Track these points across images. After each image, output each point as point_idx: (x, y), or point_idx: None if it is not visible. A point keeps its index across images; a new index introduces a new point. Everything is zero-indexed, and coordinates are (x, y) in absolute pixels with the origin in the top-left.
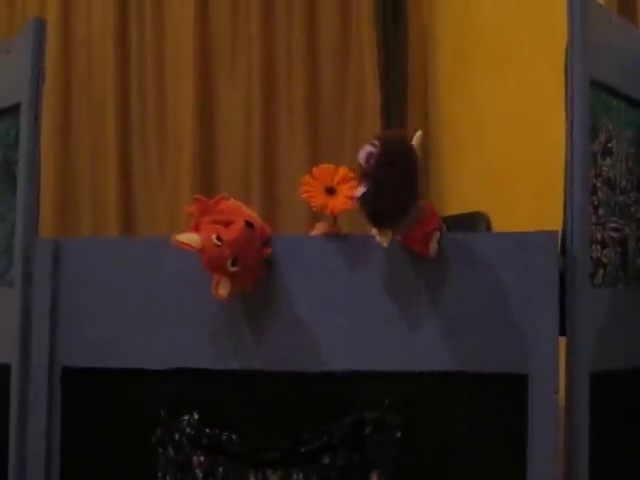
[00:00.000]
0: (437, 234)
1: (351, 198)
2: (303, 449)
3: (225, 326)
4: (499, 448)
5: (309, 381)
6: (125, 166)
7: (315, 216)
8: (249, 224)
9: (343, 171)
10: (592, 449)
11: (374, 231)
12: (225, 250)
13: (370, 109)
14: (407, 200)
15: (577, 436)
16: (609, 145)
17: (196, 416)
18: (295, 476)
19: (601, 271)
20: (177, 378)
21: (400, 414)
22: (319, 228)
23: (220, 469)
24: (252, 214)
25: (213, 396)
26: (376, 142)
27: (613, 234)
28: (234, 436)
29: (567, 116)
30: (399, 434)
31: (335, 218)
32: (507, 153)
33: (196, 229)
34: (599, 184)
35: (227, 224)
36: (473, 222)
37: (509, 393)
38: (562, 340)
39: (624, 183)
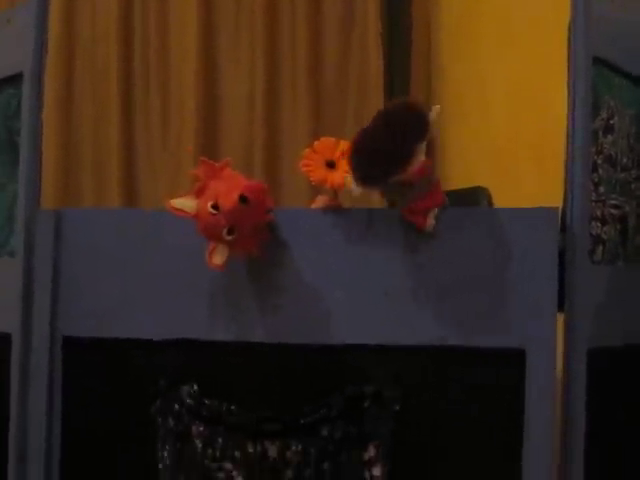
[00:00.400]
0: (435, 210)
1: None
2: (302, 421)
3: (225, 298)
4: (496, 422)
5: (308, 354)
6: (128, 138)
7: (317, 190)
8: (243, 198)
9: (344, 145)
10: (589, 425)
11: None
12: (221, 219)
13: (373, 81)
14: (392, 164)
15: (574, 412)
16: (611, 122)
17: (195, 387)
18: (294, 447)
19: (600, 248)
20: (177, 349)
21: (398, 388)
22: (319, 201)
23: (219, 439)
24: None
25: (213, 367)
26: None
27: (613, 211)
28: (233, 407)
29: (569, 93)
30: (397, 407)
31: (336, 192)
32: (511, 126)
33: (200, 192)
34: (600, 161)
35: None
36: (474, 197)
37: (506, 368)
38: (560, 317)
39: (625, 160)
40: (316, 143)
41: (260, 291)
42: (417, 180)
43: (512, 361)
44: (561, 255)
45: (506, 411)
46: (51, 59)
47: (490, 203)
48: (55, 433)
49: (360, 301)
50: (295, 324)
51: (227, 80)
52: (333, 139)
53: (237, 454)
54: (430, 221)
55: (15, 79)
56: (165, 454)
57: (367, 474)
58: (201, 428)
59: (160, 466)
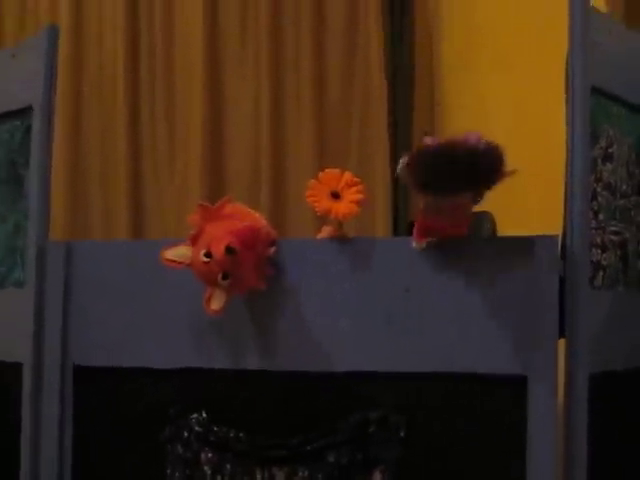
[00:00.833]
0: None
1: (356, 202)
2: (309, 447)
3: (232, 327)
4: (499, 448)
5: (315, 381)
6: (135, 167)
7: (324, 218)
8: (229, 249)
9: (348, 176)
10: (591, 450)
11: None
12: (213, 266)
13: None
14: (465, 185)
15: (576, 437)
16: (609, 150)
17: (204, 414)
18: (301, 473)
19: (601, 274)
20: (186, 377)
21: (403, 413)
22: (325, 231)
23: (228, 466)
24: (257, 217)
25: (221, 395)
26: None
27: (613, 237)
28: (241, 434)
29: (567, 122)
30: (402, 433)
31: (341, 222)
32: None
33: (195, 240)
34: (599, 189)
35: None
36: (478, 221)
37: (509, 394)
38: (562, 342)
39: (624, 187)
40: (321, 174)
41: (266, 319)
42: (461, 210)
43: (514, 387)
44: (562, 282)
45: (509, 436)
46: (58, 92)
47: (494, 228)
48: (67, 460)
49: (365, 329)
50: (301, 352)
51: (232, 94)
52: (337, 170)
53: None
54: (424, 242)
55: (21, 112)
56: None
57: None
58: (210, 455)
59: None
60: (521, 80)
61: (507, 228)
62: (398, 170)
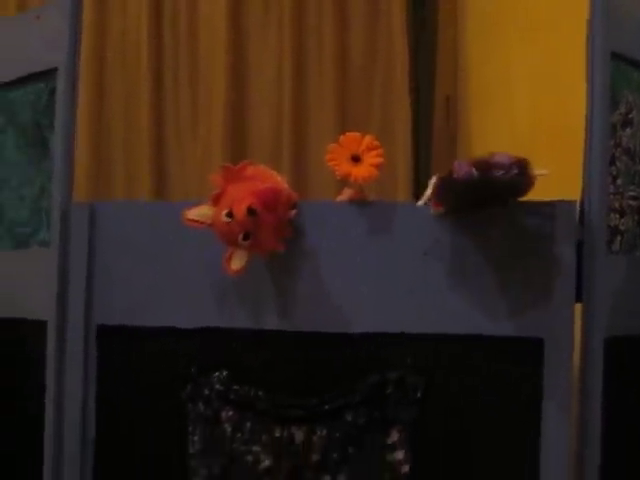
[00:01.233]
0: None
1: (376, 165)
2: (327, 407)
3: (253, 287)
4: (515, 409)
5: (333, 342)
6: (158, 133)
7: (345, 181)
8: (251, 210)
9: (368, 139)
10: (606, 413)
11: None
12: (234, 226)
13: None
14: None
15: (590, 400)
16: (629, 116)
17: (225, 373)
18: (319, 432)
19: (618, 239)
20: (207, 336)
21: (421, 374)
22: (345, 194)
23: (248, 424)
24: (279, 179)
25: (241, 354)
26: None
27: (631, 202)
28: (261, 393)
29: (587, 88)
30: (419, 394)
31: (361, 185)
32: (533, 116)
33: (217, 200)
34: (618, 154)
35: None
36: None
37: (525, 356)
38: (579, 306)
39: None
40: (341, 137)
41: (286, 281)
42: None
43: (531, 350)
44: (579, 246)
45: (525, 397)
46: (83, 51)
47: None
48: (90, 418)
49: (383, 291)
50: (320, 313)
51: (255, 60)
52: (358, 134)
53: (265, 438)
54: (442, 209)
55: (46, 74)
56: (195, 438)
57: (390, 458)
58: (230, 413)
59: (190, 450)
60: (545, 47)
61: None
62: (426, 196)
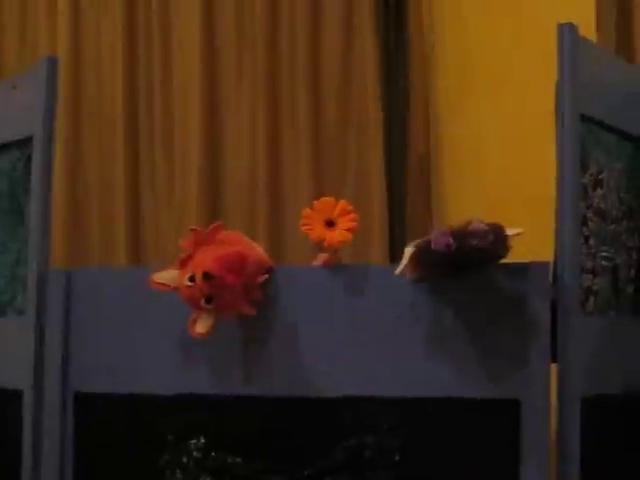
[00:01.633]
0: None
1: (350, 230)
2: (305, 472)
3: (228, 353)
4: (493, 472)
5: (311, 406)
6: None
7: (319, 245)
8: (206, 275)
9: (342, 204)
10: (583, 474)
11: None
12: (195, 291)
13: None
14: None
15: (568, 461)
16: (600, 177)
17: (203, 440)
18: None
19: (592, 299)
20: (184, 403)
21: (397, 437)
22: (320, 259)
23: None
24: (252, 245)
25: (219, 421)
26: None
27: (604, 263)
28: (239, 459)
29: (557, 150)
30: (397, 457)
31: (336, 249)
32: (505, 179)
33: (183, 264)
34: (590, 214)
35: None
36: None
37: (502, 417)
38: (555, 366)
39: (615, 212)
40: (315, 203)
41: (262, 346)
42: None
43: (507, 411)
44: (553, 306)
45: (502, 459)
46: (58, 120)
47: None
48: None
49: (359, 354)
50: (296, 378)
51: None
52: (332, 199)
53: None
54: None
55: (21, 143)
56: None
57: None
58: None
59: None
60: (515, 107)
61: None
62: (402, 264)
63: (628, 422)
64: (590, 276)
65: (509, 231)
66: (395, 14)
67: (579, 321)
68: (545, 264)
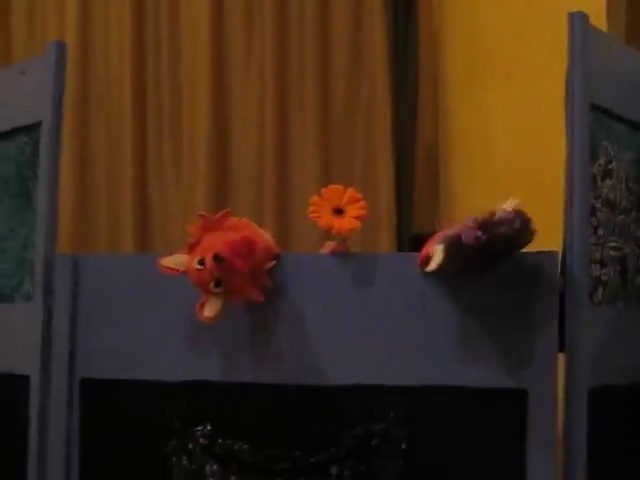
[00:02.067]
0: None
1: (358, 218)
2: (312, 460)
3: (236, 340)
4: (499, 460)
5: (318, 394)
6: (141, 180)
7: (327, 233)
8: (217, 258)
9: (351, 192)
10: (590, 464)
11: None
12: (205, 274)
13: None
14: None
15: (575, 451)
16: (609, 167)
17: (209, 427)
18: None
19: (600, 289)
20: (191, 390)
21: (405, 426)
22: (328, 247)
23: (232, 478)
24: (260, 232)
25: (226, 408)
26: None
27: (613, 253)
28: (245, 446)
29: (567, 139)
30: (404, 445)
31: (344, 237)
32: (514, 168)
33: (192, 248)
34: (599, 205)
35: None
36: None
37: (509, 407)
38: (562, 356)
39: (624, 203)
40: (323, 190)
41: (270, 334)
42: None
43: (515, 401)
44: (562, 297)
45: (509, 449)
46: (66, 105)
47: None
48: (74, 473)
49: (365, 343)
50: (304, 365)
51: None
52: (340, 186)
53: None
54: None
55: (29, 128)
56: None
57: None
58: (214, 467)
59: None
60: (524, 97)
61: None
62: (436, 261)
63: (635, 413)
64: (598, 266)
65: (508, 204)
66: (405, 1)
67: (587, 312)
68: (554, 254)
